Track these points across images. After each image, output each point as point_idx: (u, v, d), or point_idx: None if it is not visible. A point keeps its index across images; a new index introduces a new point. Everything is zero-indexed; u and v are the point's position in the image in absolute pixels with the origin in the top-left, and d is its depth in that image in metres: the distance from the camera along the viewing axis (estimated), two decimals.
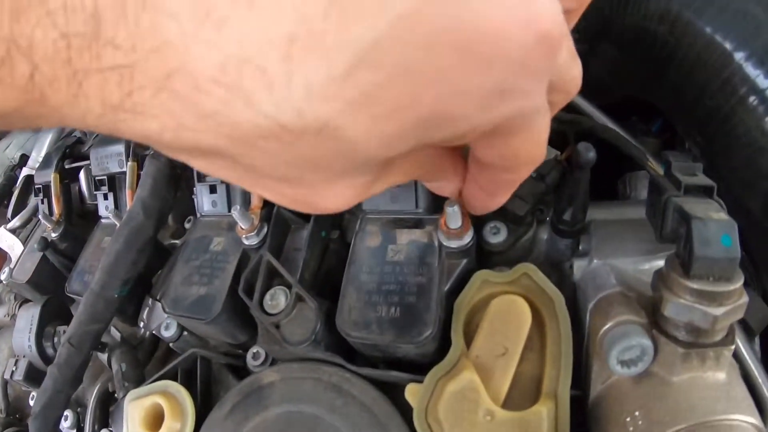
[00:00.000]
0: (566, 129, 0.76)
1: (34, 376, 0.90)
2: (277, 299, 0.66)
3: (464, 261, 0.65)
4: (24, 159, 1.32)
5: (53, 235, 0.95)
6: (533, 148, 0.34)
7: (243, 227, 0.72)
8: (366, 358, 0.65)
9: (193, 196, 0.82)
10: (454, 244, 0.63)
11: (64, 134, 1.15)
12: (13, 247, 1.06)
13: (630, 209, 0.70)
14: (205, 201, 0.78)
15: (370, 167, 0.31)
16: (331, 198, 0.33)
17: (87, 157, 1.02)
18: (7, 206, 1.29)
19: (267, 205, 0.75)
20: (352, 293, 0.63)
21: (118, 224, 0.83)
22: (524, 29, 0.23)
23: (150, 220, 0.79)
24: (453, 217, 0.62)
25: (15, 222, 1.11)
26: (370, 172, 0.32)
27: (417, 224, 0.69)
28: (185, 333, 0.81)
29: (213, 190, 0.77)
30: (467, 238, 0.63)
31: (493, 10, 0.22)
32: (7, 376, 0.91)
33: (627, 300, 0.57)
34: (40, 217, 0.94)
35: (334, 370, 0.63)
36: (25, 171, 1.25)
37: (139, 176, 0.85)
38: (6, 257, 1.30)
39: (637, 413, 0.51)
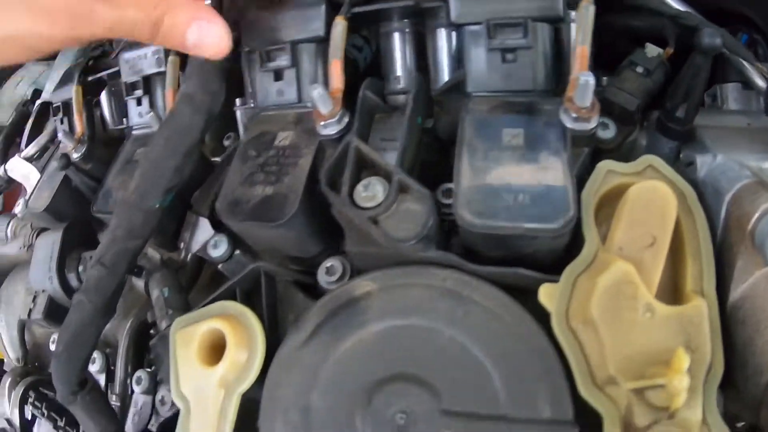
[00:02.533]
0: (667, 25, 0.62)
1: (55, 314, 0.71)
2: (373, 190, 0.49)
3: (585, 151, 0.53)
4: (36, 94, 1.12)
5: (75, 155, 0.75)
6: None
7: (322, 112, 0.53)
8: (480, 258, 0.49)
9: (242, 96, 0.62)
10: (580, 126, 0.50)
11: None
12: (29, 176, 0.86)
13: (728, 118, 0.61)
14: (269, 90, 0.59)
15: None
16: None
17: (109, 67, 0.82)
18: (19, 143, 1.08)
19: (349, 91, 0.56)
20: (470, 179, 0.48)
21: (156, 128, 0.64)
22: None
23: (198, 116, 0.60)
24: (584, 91, 0.48)
25: (30, 149, 0.91)
26: None
27: (531, 107, 0.53)
28: (237, 252, 0.62)
29: (278, 76, 0.59)
30: (594, 121, 0.50)
31: None
32: (24, 316, 0.71)
33: None
34: (60, 136, 0.75)
35: (448, 273, 0.47)
36: (37, 105, 1.04)
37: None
38: (19, 191, 1.09)
39: None
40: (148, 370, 0.66)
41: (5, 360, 0.95)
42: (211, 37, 0.42)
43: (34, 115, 0.98)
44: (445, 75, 0.67)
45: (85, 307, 0.57)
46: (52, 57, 1.19)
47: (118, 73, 0.78)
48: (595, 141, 0.53)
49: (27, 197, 0.84)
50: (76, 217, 0.76)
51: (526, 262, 0.47)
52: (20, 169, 0.87)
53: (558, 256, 0.48)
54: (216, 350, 0.53)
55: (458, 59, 0.67)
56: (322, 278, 0.56)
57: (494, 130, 0.51)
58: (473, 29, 0.56)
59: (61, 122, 0.84)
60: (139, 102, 0.71)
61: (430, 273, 0.47)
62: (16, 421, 0.80)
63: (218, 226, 0.64)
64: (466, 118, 0.53)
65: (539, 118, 0.52)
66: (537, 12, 0.54)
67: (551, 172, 0.47)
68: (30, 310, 0.72)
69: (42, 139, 0.90)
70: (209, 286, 0.68)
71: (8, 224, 0.88)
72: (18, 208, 0.85)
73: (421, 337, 0.45)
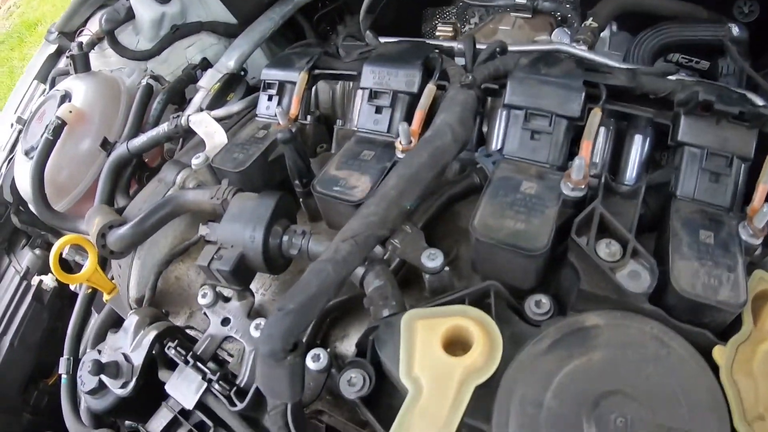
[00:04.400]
0: None
1: (241, 272, 0.77)
2: (613, 249, 0.65)
3: (747, 259, 0.70)
4: (205, 62, 1.20)
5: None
6: None
7: (574, 178, 0.69)
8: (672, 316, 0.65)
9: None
10: (752, 241, 0.69)
11: (299, 44, 1.05)
12: (214, 134, 0.94)
13: None
14: (524, 145, 0.76)
15: None
16: None
17: (335, 69, 0.93)
18: (176, 103, 1.15)
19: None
20: (680, 261, 0.66)
21: (404, 142, 0.76)
22: None
23: (455, 144, 0.74)
24: (763, 218, 0.67)
25: (220, 111, 0.99)
26: None
27: (719, 219, 0.72)
28: (447, 268, 0.72)
29: (534, 136, 0.74)
30: (761, 239, 0.69)
31: None
32: (202, 263, 0.77)
33: None
34: (277, 112, 0.86)
35: (655, 323, 0.64)
36: (210, 73, 1.13)
37: (434, 101, 0.79)
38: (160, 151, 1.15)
39: None
40: (327, 350, 0.72)
41: (113, 294, 0.97)
42: None
43: (222, 81, 1.06)
44: (633, 172, 0.84)
45: (329, 275, 0.65)
46: (223, 33, 1.30)
47: (346, 76, 0.90)
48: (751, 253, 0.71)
49: (209, 153, 0.91)
50: (281, 188, 0.84)
51: (699, 325, 0.64)
52: (207, 124, 0.95)
53: (721, 328, 0.65)
54: (450, 344, 0.62)
55: (647, 163, 0.84)
56: (531, 308, 0.69)
57: (694, 230, 0.70)
58: (694, 151, 0.75)
59: (269, 99, 0.92)
60: (378, 110, 0.83)
61: (643, 320, 0.64)
62: (137, 360, 0.83)
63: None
64: (675, 216, 0.72)
65: (724, 228, 0.71)
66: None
67: (731, 268, 0.65)
68: (212, 260, 0.77)
69: (236, 106, 0.99)
70: None
71: (178, 172, 0.94)
72: (197, 160, 0.90)
73: (634, 365, 0.61)
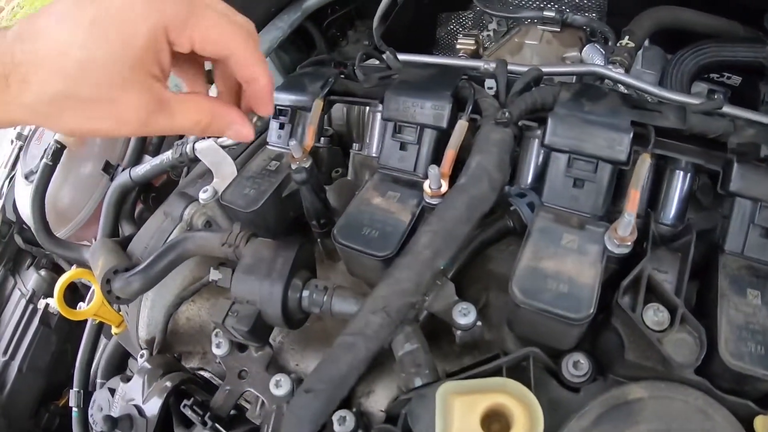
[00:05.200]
0: None
1: (259, 329, 0.70)
2: (661, 316, 0.59)
3: None
4: (211, 76, 1.09)
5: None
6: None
7: (621, 234, 0.62)
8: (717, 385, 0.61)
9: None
10: None
11: (310, 61, 0.96)
12: (221, 164, 0.85)
13: None
14: (566, 193, 0.68)
15: None
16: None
17: (352, 94, 0.84)
18: None
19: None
20: (729, 326, 0.61)
21: (433, 186, 0.67)
22: None
23: (494, 193, 0.67)
24: None
25: (228, 140, 0.89)
26: None
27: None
28: (479, 324, 0.66)
29: (577, 184, 0.68)
30: None
31: None
32: (216, 320, 0.70)
33: None
34: (291, 145, 0.76)
35: (699, 394, 0.61)
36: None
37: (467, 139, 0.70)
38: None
39: None
40: (353, 410, 0.66)
41: (122, 329, 0.91)
42: (242, 134, 0.58)
43: None
44: (673, 210, 0.77)
45: (359, 351, 0.60)
46: None
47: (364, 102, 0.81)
48: None
49: (217, 186, 0.83)
50: (270, 233, 0.76)
51: (743, 394, 0.59)
52: (213, 154, 0.86)
53: (762, 394, 0.60)
54: (487, 416, 0.57)
55: (686, 202, 0.77)
56: (568, 370, 0.64)
57: (742, 289, 0.64)
58: (746, 204, 0.67)
59: (281, 126, 0.84)
60: (403, 147, 0.74)
61: (688, 391, 0.60)
62: (151, 412, 0.78)
63: None
64: (723, 274, 0.66)
65: None
66: None
67: None
68: (226, 317, 0.70)
69: None
70: None
71: (186, 207, 0.86)
72: (204, 195, 0.82)
73: None
